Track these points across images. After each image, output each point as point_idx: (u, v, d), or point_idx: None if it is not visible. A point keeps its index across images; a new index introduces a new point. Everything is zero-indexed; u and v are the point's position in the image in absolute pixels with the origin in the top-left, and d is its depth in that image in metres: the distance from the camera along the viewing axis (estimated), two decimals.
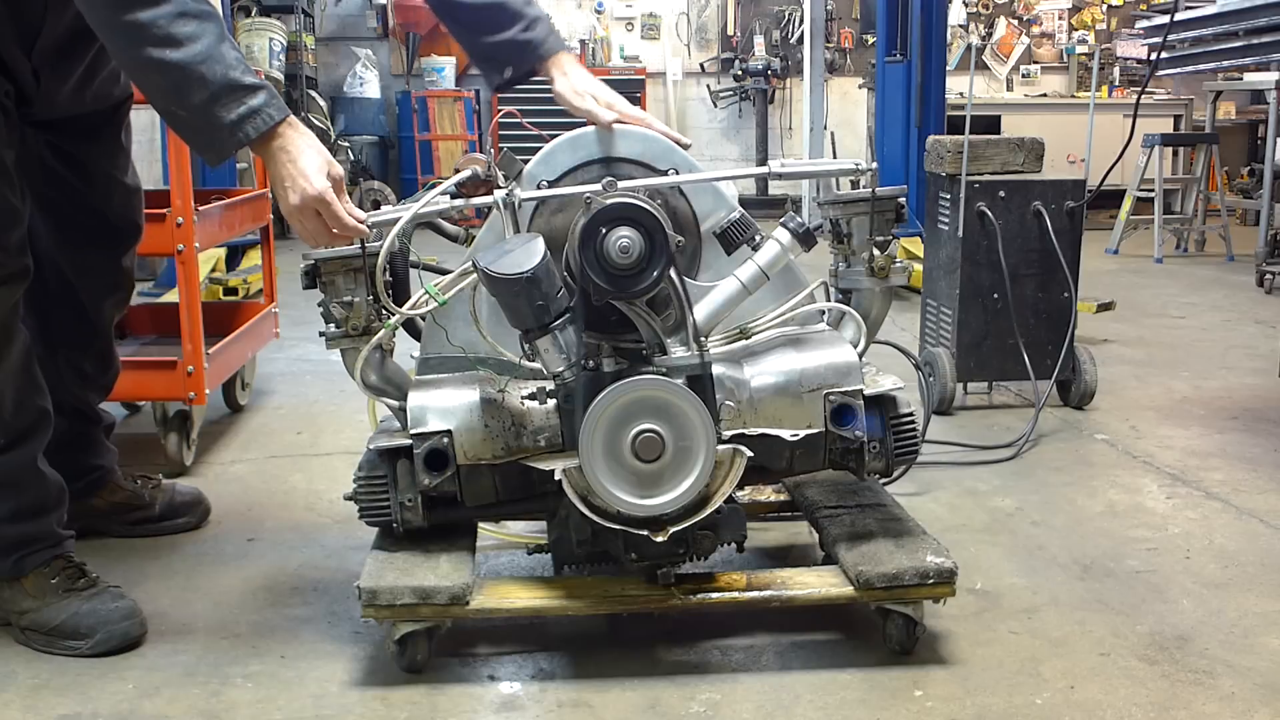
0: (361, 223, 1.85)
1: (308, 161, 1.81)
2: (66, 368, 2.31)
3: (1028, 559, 2.37)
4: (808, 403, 1.94)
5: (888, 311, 2.09)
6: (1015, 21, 10.41)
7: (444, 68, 9.25)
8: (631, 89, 8.68)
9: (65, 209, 2.24)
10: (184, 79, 1.75)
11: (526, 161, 2.00)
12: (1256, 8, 5.29)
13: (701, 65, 10.19)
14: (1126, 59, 10.17)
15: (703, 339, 1.95)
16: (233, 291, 5.16)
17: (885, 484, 2.30)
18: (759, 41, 10.04)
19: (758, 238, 1.96)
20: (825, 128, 7.66)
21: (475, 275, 1.85)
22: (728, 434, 1.89)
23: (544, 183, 2.03)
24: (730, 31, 10.13)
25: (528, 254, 1.76)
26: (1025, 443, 3.11)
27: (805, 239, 1.95)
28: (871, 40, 8.57)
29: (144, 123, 6.64)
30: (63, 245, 2.26)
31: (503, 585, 1.93)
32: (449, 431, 1.88)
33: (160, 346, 3.27)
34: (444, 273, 1.99)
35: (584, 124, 2.11)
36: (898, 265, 2.04)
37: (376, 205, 2.08)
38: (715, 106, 10.12)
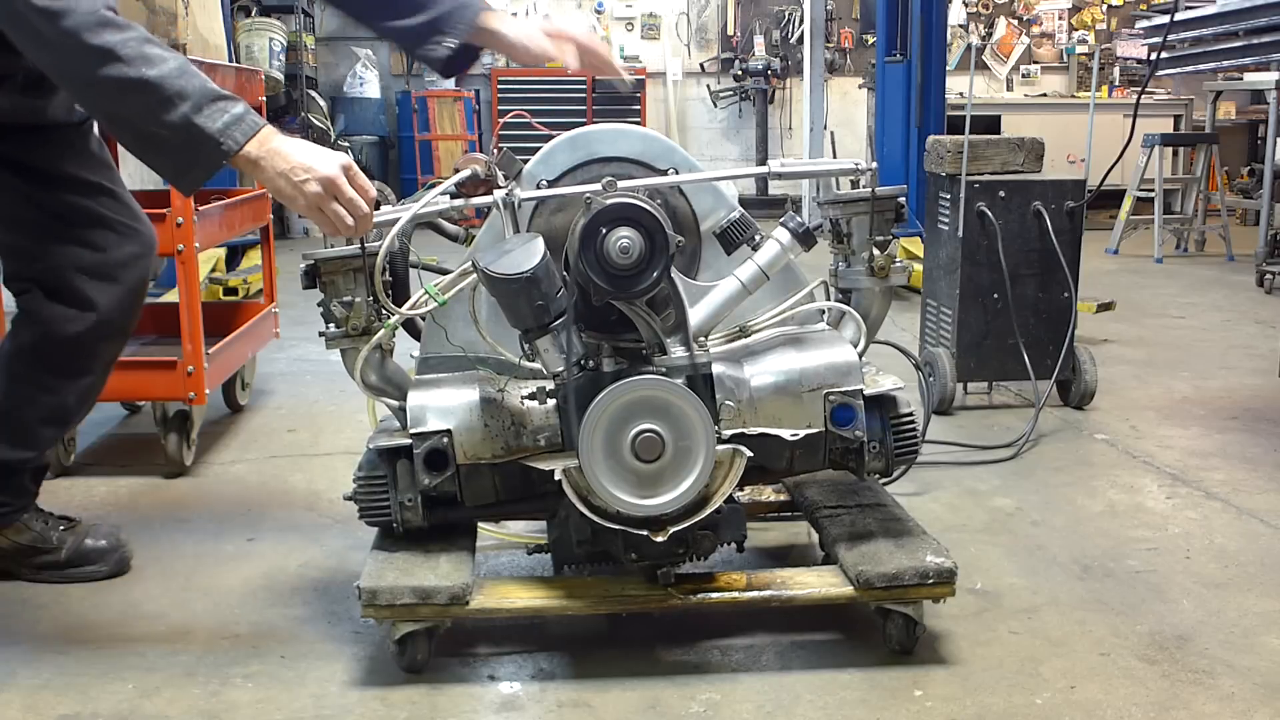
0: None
1: (305, 153, 1.79)
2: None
3: (1028, 559, 2.37)
4: (808, 402, 1.94)
5: (888, 311, 2.09)
6: (1015, 21, 10.41)
7: None
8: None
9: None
10: (163, 94, 1.73)
11: (526, 161, 2.00)
12: (1256, 8, 5.31)
13: (701, 65, 10.19)
14: (1126, 59, 10.17)
15: (702, 338, 1.95)
16: (233, 291, 5.15)
17: (885, 484, 2.30)
18: (759, 41, 10.04)
19: (758, 237, 1.96)
20: (825, 128, 7.66)
21: (475, 275, 1.85)
22: (728, 434, 1.89)
23: (543, 182, 2.03)
24: (730, 31, 10.13)
25: (527, 254, 1.76)
26: (1025, 443, 3.11)
27: (805, 239, 1.95)
28: (871, 40, 8.56)
29: None
30: None
31: (503, 585, 1.93)
32: (449, 431, 1.89)
33: (160, 346, 3.27)
34: (444, 273, 1.99)
35: (583, 122, 2.11)
36: (898, 265, 2.04)
37: (376, 205, 2.08)
38: (715, 106, 10.12)
